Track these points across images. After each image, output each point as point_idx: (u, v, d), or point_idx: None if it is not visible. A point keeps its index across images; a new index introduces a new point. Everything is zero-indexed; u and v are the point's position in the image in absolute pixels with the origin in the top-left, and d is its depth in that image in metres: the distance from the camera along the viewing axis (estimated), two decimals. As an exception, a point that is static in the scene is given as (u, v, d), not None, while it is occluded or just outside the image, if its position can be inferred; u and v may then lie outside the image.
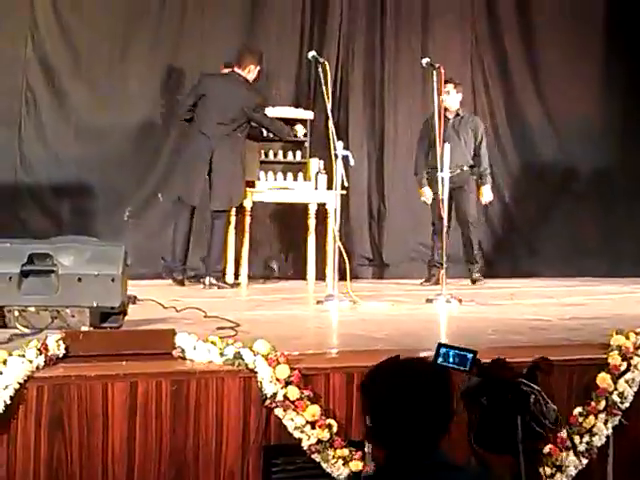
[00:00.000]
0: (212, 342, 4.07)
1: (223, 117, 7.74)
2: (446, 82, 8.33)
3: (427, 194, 8.34)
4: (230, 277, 8.02)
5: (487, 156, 8.65)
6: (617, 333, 4.64)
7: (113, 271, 4.82)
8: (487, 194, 8.59)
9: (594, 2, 10.15)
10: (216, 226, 7.78)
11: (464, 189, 8.40)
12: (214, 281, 7.69)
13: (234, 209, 7.97)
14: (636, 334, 4.65)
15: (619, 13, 10.11)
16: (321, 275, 8.12)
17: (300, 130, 8.40)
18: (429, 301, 6.94)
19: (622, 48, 10.12)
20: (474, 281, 8.50)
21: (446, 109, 8.34)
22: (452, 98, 8.44)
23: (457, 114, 8.53)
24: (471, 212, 8.54)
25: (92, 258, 4.83)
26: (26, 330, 4.59)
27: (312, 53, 7.34)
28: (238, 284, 7.89)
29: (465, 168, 8.40)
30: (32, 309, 4.69)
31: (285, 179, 8.33)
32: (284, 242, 9.03)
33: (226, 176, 7.74)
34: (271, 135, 8.24)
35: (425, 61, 7.60)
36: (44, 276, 4.77)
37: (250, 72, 7.91)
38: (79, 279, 4.75)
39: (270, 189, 8.16)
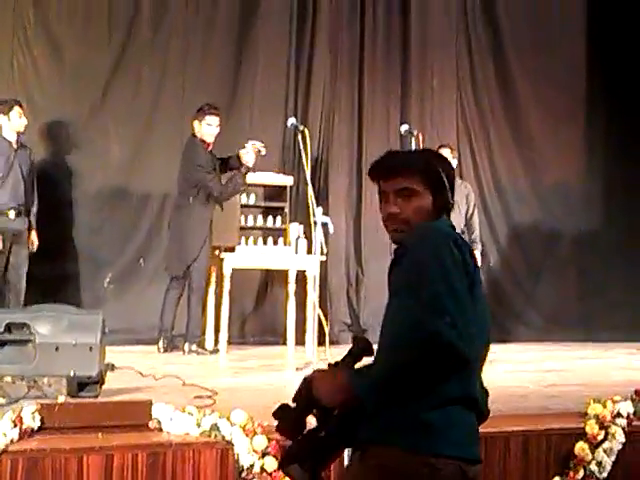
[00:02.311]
0: (189, 413, 4.06)
1: (178, 183, 7.82)
2: (442, 146, 8.47)
3: None
4: (210, 343, 8.00)
5: (478, 223, 8.73)
6: (594, 401, 4.66)
7: (91, 340, 4.82)
8: (477, 260, 8.61)
9: (577, 71, 10.32)
10: (193, 292, 7.76)
11: None
12: (193, 347, 7.68)
13: (214, 275, 8.00)
14: (613, 402, 4.67)
15: (601, 80, 10.29)
16: (301, 339, 8.10)
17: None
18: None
19: (604, 114, 10.29)
20: None
21: None
22: None
23: None
24: None
25: (70, 326, 4.83)
26: (1, 400, 4.56)
27: (291, 120, 7.35)
28: (217, 350, 7.85)
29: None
30: (8, 379, 4.66)
31: (265, 244, 8.35)
32: (264, 307, 9.02)
33: (174, 241, 7.77)
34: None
35: (404, 128, 7.68)
36: (21, 345, 4.77)
37: (194, 129, 7.78)
38: (56, 348, 4.74)
39: (250, 255, 8.16)
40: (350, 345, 2.68)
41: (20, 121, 7.43)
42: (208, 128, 7.80)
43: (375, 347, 2.60)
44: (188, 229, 7.69)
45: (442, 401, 2.48)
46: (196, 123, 7.81)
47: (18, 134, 7.49)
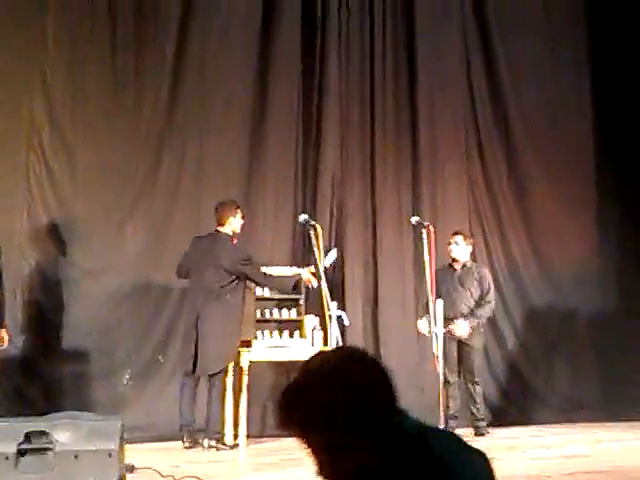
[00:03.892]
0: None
1: (208, 278, 7.79)
2: (456, 233, 8.52)
3: (421, 327, 8.29)
4: (229, 438, 7.96)
5: (490, 306, 8.58)
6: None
7: (110, 446, 4.85)
8: (462, 327, 8.32)
9: (587, 156, 10.37)
10: (213, 388, 7.76)
11: (470, 345, 8.41)
12: (213, 443, 7.65)
13: (231, 369, 8.00)
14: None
15: (612, 164, 10.31)
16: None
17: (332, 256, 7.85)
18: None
19: (615, 192, 10.29)
20: (479, 434, 8.39)
21: (454, 260, 8.46)
22: (461, 249, 8.51)
23: (464, 265, 8.57)
24: (476, 370, 8.49)
25: (89, 433, 4.87)
26: (22, 511, 4.57)
27: (303, 217, 7.42)
28: (237, 445, 7.82)
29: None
30: (29, 488, 4.68)
31: (281, 337, 8.36)
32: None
33: (212, 338, 7.70)
34: (267, 289, 8.34)
35: (414, 220, 7.72)
36: (41, 454, 4.79)
37: (231, 224, 7.94)
38: (76, 456, 4.77)
39: (266, 348, 8.17)
40: None
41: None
42: (241, 221, 8.04)
43: None
44: (227, 326, 7.73)
45: None
46: (231, 218, 7.93)
47: None
